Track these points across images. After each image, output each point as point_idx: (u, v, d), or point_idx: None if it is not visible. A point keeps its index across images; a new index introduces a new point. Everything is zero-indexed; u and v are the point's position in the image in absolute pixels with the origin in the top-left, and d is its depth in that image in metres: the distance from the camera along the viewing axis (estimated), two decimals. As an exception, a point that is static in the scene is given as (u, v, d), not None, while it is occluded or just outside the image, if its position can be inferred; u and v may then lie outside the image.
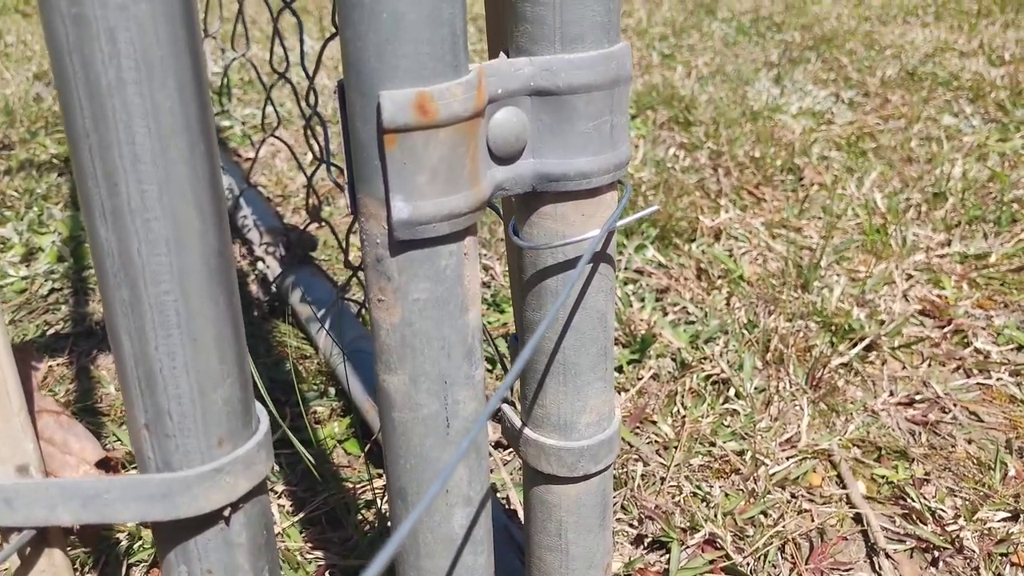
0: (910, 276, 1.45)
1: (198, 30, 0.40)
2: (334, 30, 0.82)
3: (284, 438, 1.05)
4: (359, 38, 0.42)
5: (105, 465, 0.49)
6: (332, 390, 1.14)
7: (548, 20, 0.48)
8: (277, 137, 1.18)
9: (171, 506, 0.44)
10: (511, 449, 1.07)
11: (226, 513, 0.46)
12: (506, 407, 0.64)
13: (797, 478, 1.02)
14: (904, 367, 1.23)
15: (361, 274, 1.26)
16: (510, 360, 0.73)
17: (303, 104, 1.03)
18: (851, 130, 2.09)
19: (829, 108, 2.23)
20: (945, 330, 1.31)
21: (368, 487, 0.98)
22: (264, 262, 1.34)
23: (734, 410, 1.12)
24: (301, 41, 0.95)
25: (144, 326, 0.42)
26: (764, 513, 0.97)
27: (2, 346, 0.45)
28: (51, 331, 1.28)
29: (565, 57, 0.48)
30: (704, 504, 0.98)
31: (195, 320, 0.42)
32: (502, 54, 0.50)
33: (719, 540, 0.92)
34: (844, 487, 1.01)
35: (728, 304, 1.36)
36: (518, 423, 0.62)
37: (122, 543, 0.90)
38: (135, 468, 0.90)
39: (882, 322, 1.31)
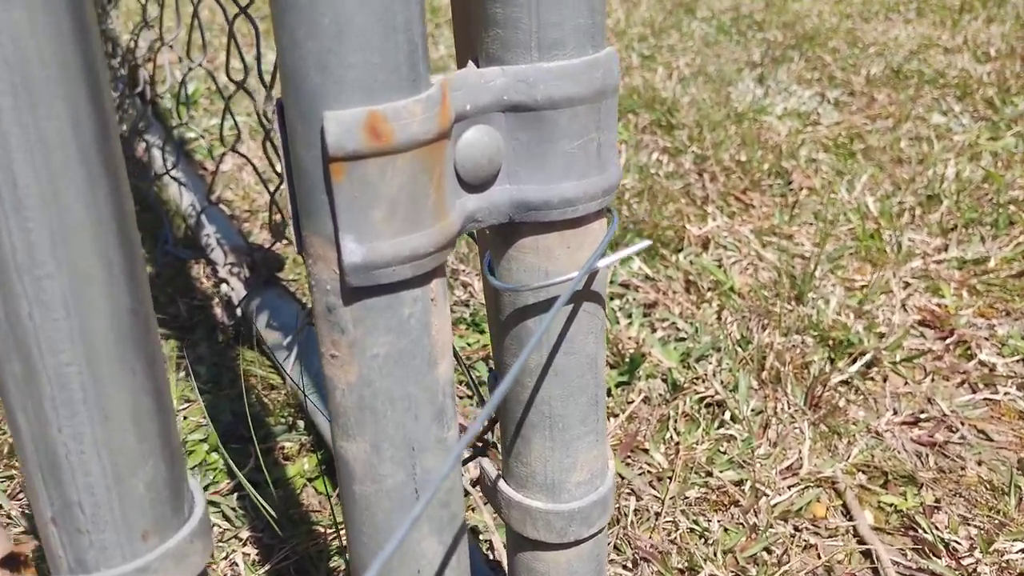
0: (907, 284, 1.39)
1: (95, 42, 0.32)
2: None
3: (249, 478, 0.97)
4: (296, 46, 0.35)
5: (14, 562, 0.41)
6: (301, 423, 1.07)
7: (523, 24, 0.40)
8: (238, 152, 1.11)
9: (85, 613, 0.37)
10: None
11: (153, 617, 0.39)
12: (484, 460, 0.57)
13: (800, 509, 0.96)
14: (906, 383, 1.17)
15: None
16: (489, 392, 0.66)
17: (261, 117, 0.96)
18: (838, 131, 2.03)
19: (815, 108, 2.17)
20: (947, 342, 1.25)
21: (342, 531, 0.90)
22: (228, 284, 1.27)
23: (730, 435, 1.05)
24: (258, 48, 0.88)
25: (43, 404, 0.34)
26: (767, 550, 0.90)
27: None
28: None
29: (543, 66, 0.41)
30: (702, 541, 0.91)
31: (105, 394, 0.35)
32: (471, 63, 0.43)
33: (720, 582, 0.86)
34: (851, 518, 0.95)
35: (719, 318, 1.30)
36: (493, 474, 0.55)
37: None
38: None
39: (881, 335, 1.25)
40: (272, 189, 1.12)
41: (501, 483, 0.53)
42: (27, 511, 0.95)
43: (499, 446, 0.56)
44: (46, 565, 0.67)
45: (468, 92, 0.41)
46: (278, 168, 1.05)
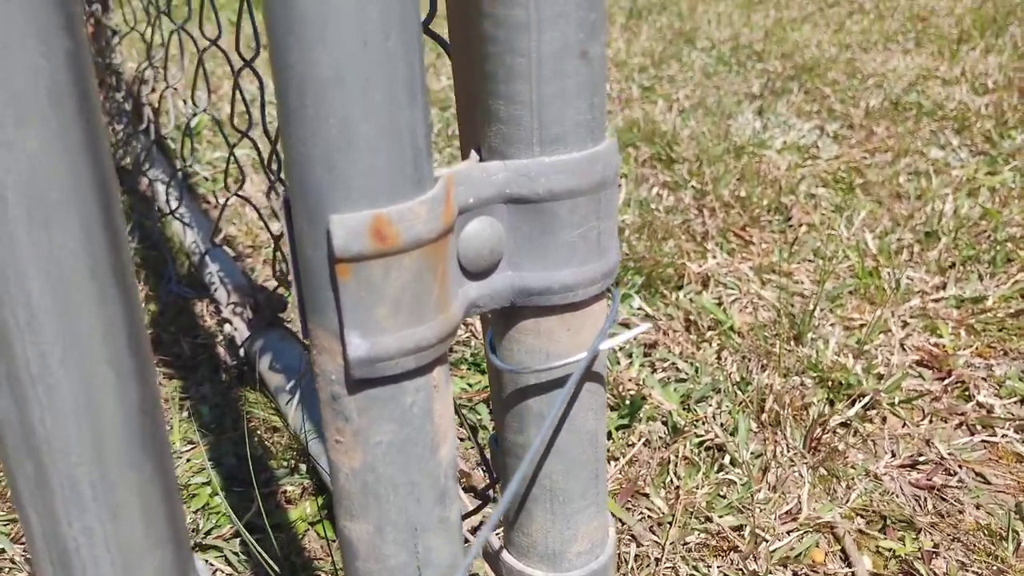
0: (906, 323, 1.40)
1: (106, 155, 0.34)
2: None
3: (252, 523, 0.98)
4: (303, 154, 0.36)
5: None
6: (303, 467, 1.08)
7: (524, 121, 0.42)
8: (241, 196, 1.12)
9: None
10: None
11: None
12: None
13: (800, 555, 0.96)
14: (905, 424, 1.18)
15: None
16: (490, 455, 0.67)
17: (266, 169, 0.97)
18: (837, 165, 2.04)
19: (814, 142, 2.18)
20: (945, 383, 1.26)
21: (341, 581, 0.91)
22: (232, 324, 1.28)
23: (730, 479, 1.06)
24: (263, 103, 0.89)
25: (54, 503, 0.35)
26: (766, 598, 0.91)
27: None
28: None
29: (545, 160, 0.42)
30: (702, 590, 0.92)
31: (115, 492, 0.36)
32: (473, 153, 0.44)
33: (720, 633, 0.86)
34: (849, 564, 0.95)
35: (719, 359, 1.30)
36: (496, 545, 0.56)
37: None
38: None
39: (880, 376, 1.26)
40: (276, 232, 1.13)
41: (504, 553, 0.54)
42: (29, 555, 0.95)
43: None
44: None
45: (471, 186, 0.42)
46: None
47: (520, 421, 0.49)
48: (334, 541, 0.97)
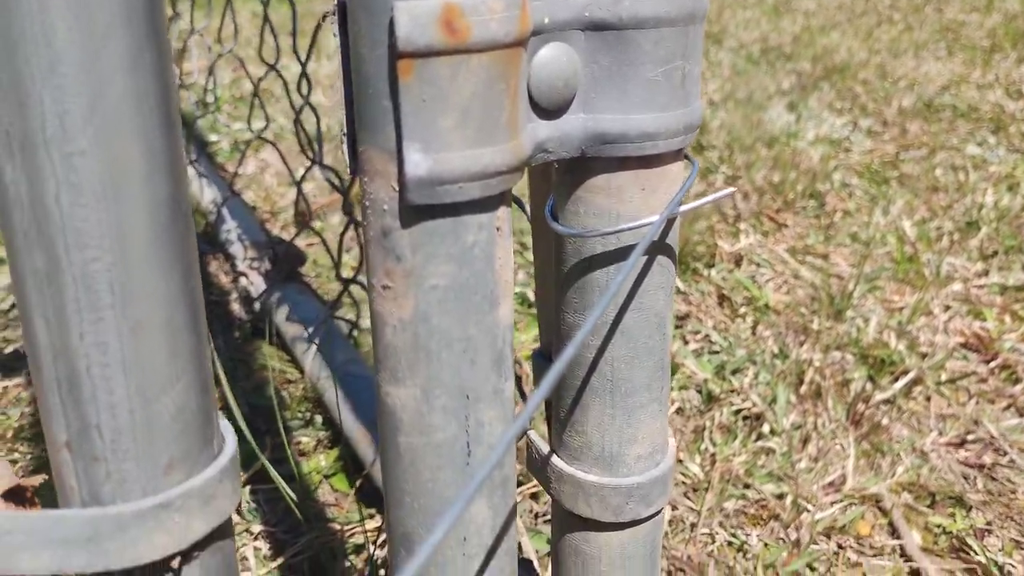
0: (948, 307, 1.34)
1: None
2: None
3: (262, 471, 0.93)
4: (369, -74, 0.32)
5: (18, 496, 0.37)
6: (319, 419, 1.02)
7: (611, -72, 0.37)
8: (266, 139, 1.07)
9: (99, 553, 0.33)
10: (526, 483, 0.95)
11: (174, 564, 0.34)
12: (531, 432, 0.52)
13: (844, 526, 0.90)
14: (950, 404, 1.12)
15: (354, 290, 1.15)
16: (534, 382, 0.62)
17: (295, 94, 0.93)
18: (871, 158, 1.99)
19: (847, 136, 2.13)
20: (991, 365, 1.20)
21: (358, 529, 0.86)
22: (248, 278, 1.23)
23: (769, 448, 1.01)
24: (294, 24, 0.85)
25: (65, 306, 0.30)
26: (810, 566, 0.85)
27: None
28: (9, 349, 1.16)
29: (630, -21, 0.37)
30: (741, 555, 0.86)
31: (136, 299, 0.31)
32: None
33: (762, 597, 0.80)
34: (897, 537, 0.90)
35: (754, 333, 1.25)
36: (545, 450, 0.50)
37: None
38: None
39: (923, 355, 1.20)
40: (298, 179, 1.08)
41: (553, 458, 0.49)
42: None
43: (541, 415, 0.51)
44: (50, 502, 0.63)
45: (547, 3, 0.37)
46: (309, 154, 1.02)
47: (581, 297, 0.44)
48: (348, 494, 0.92)
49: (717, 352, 1.20)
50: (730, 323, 1.27)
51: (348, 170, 0.38)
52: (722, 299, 1.34)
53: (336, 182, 0.94)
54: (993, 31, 3.45)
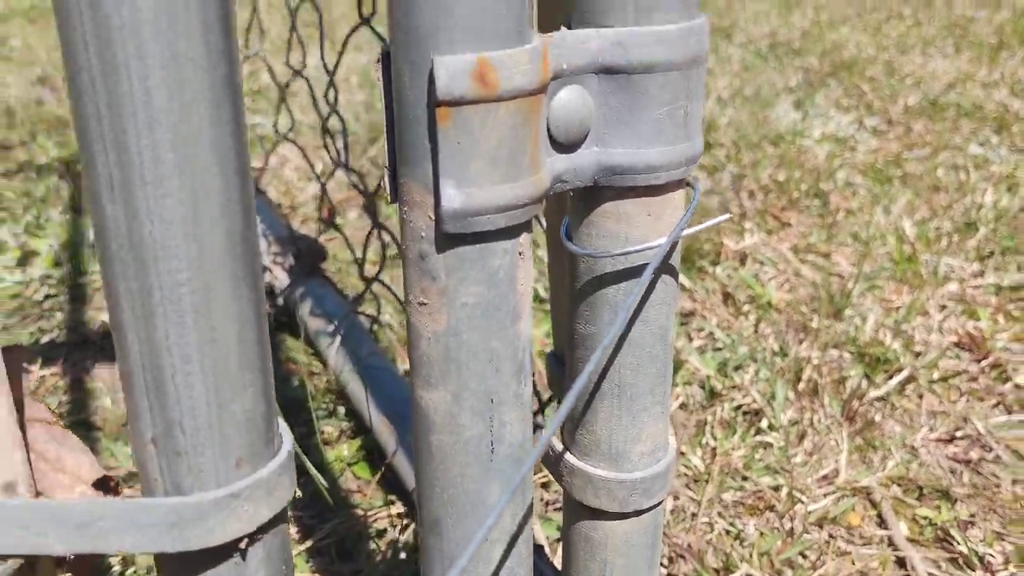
0: (943, 307, 1.39)
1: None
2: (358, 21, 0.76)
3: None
4: (413, -4, 0.37)
5: (104, 486, 0.42)
6: (342, 409, 1.08)
7: (622, -12, 0.42)
8: (290, 139, 1.12)
9: (180, 537, 0.38)
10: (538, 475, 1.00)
11: (242, 545, 0.40)
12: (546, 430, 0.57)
13: (836, 517, 0.96)
14: (942, 401, 1.17)
15: (375, 287, 1.20)
16: (547, 381, 0.67)
17: (322, 101, 0.98)
18: (875, 157, 2.03)
19: (852, 134, 2.18)
20: (983, 364, 1.25)
21: (381, 514, 0.91)
22: (272, 272, 1.28)
23: (767, 443, 1.06)
24: (321, 32, 0.90)
25: (155, 323, 0.35)
26: (802, 554, 0.90)
27: (-14, 343, 0.39)
28: (45, 339, 1.21)
29: (639, 30, 0.42)
30: (738, 543, 0.91)
31: (215, 316, 0.36)
32: (562, 27, 0.44)
33: (757, 582, 0.86)
34: (885, 528, 0.95)
35: (756, 330, 1.30)
36: (559, 447, 0.56)
37: (114, 568, 0.83)
38: (138, 490, 0.83)
39: (918, 354, 1.25)
40: (323, 180, 1.13)
41: (566, 454, 0.54)
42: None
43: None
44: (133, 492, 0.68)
45: (565, 51, 0.42)
46: (333, 156, 1.07)
47: (592, 311, 0.49)
48: (371, 481, 0.97)
49: (720, 349, 1.25)
50: (733, 320, 1.32)
51: (389, 199, 0.43)
52: (726, 297, 1.39)
53: (361, 186, 0.99)
54: (1001, 27, 3.48)
